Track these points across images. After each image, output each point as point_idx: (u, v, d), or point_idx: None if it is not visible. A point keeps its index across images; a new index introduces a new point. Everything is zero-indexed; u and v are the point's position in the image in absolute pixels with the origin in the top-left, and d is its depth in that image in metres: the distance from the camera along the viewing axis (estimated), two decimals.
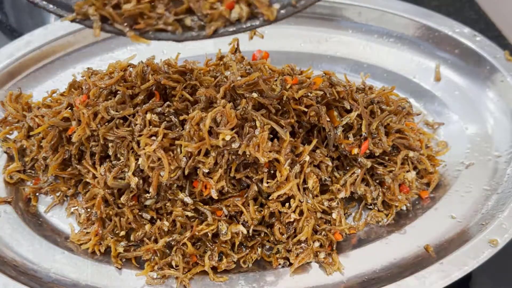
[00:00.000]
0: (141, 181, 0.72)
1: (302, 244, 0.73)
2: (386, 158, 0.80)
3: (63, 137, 0.77)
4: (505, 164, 0.83)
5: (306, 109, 0.75)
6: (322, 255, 0.72)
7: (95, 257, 0.73)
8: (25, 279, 0.68)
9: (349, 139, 0.77)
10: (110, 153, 0.74)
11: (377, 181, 0.80)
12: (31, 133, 0.81)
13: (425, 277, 0.66)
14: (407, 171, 0.80)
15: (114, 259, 0.72)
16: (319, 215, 0.76)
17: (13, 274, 0.68)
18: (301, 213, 0.73)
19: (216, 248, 0.71)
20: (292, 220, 0.72)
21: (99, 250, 0.73)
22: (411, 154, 0.81)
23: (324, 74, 0.80)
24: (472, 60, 0.96)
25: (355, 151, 0.76)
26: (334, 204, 0.77)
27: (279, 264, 0.73)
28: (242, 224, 0.72)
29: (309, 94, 0.76)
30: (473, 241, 0.70)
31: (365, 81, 0.85)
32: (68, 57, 0.98)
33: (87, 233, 0.75)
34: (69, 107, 0.78)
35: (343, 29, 1.04)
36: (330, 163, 0.77)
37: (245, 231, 0.71)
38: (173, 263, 0.70)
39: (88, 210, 0.76)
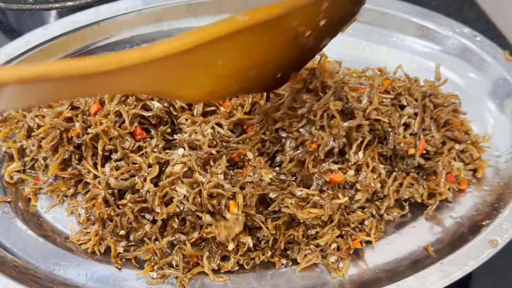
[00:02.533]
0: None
1: (311, 246, 0.72)
2: (432, 152, 0.80)
3: (63, 138, 0.77)
4: (505, 164, 0.83)
5: (380, 118, 0.73)
6: (331, 259, 0.72)
7: (95, 257, 0.73)
8: (25, 279, 0.68)
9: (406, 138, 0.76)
10: (117, 156, 0.74)
11: (424, 176, 0.80)
12: (32, 134, 0.81)
13: (425, 277, 0.66)
14: (454, 160, 0.81)
15: (114, 259, 0.72)
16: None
17: (13, 274, 0.68)
18: (330, 220, 0.72)
19: (220, 251, 0.71)
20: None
21: (99, 250, 0.73)
22: (457, 146, 0.81)
23: (378, 72, 0.81)
24: (472, 60, 0.96)
25: (412, 151, 0.75)
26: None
27: (282, 264, 0.72)
28: (258, 238, 0.72)
29: (383, 100, 0.75)
30: (473, 241, 0.70)
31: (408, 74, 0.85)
32: (68, 57, 0.98)
33: (87, 233, 0.75)
34: (71, 108, 0.78)
35: None
36: (383, 171, 0.75)
37: (251, 244, 0.70)
38: (173, 263, 0.70)
39: (88, 210, 0.76)
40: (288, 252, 0.73)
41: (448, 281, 0.66)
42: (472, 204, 0.79)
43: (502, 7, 1.24)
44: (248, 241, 0.70)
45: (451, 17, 1.01)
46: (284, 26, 0.61)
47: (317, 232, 0.72)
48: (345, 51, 1.01)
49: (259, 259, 0.72)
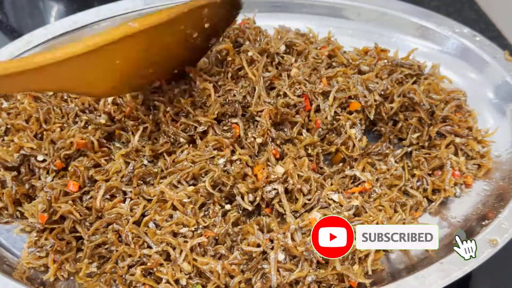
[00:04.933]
0: None
1: None
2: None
3: None
4: (505, 164, 0.83)
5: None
6: None
7: None
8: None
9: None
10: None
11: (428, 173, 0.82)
12: None
13: (425, 277, 0.66)
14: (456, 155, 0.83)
15: (82, 280, 0.69)
16: None
17: (13, 274, 0.68)
18: None
19: None
20: None
21: (62, 275, 0.70)
22: (457, 140, 0.83)
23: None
24: (472, 60, 0.96)
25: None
26: None
27: None
28: None
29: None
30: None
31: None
32: None
33: (40, 257, 0.71)
34: None
35: (343, 29, 1.04)
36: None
37: None
38: None
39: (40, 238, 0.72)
40: None
41: (448, 281, 0.66)
42: (471, 204, 0.79)
43: (502, 7, 1.24)
44: None
45: (451, 17, 1.01)
46: (172, 30, 0.71)
47: None
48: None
49: None
